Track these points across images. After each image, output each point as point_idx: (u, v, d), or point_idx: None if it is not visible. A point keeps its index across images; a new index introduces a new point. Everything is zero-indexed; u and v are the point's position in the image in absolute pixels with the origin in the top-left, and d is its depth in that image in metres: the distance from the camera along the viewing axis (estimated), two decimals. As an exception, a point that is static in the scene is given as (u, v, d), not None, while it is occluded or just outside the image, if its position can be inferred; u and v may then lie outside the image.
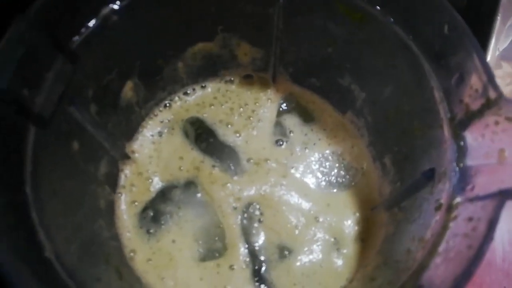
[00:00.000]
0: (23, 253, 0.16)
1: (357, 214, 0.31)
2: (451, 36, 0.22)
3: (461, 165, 0.21)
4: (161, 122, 0.34)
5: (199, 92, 0.35)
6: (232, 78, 0.35)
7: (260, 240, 0.30)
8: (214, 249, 0.29)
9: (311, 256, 0.29)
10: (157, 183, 0.31)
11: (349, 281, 0.28)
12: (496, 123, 0.20)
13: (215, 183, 0.31)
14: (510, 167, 0.19)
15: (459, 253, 0.17)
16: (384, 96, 0.29)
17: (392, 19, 0.24)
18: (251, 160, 0.33)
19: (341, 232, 0.30)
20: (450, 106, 0.22)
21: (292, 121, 0.34)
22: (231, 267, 0.29)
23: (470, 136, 0.22)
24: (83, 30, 0.23)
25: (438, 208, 0.21)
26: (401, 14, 0.24)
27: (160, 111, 0.34)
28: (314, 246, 0.30)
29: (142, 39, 0.28)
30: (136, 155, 0.32)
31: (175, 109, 0.34)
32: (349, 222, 0.31)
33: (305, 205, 0.31)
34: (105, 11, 0.24)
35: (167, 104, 0.34)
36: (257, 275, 0.29)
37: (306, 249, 0.30)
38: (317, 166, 0.33)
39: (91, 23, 0.24)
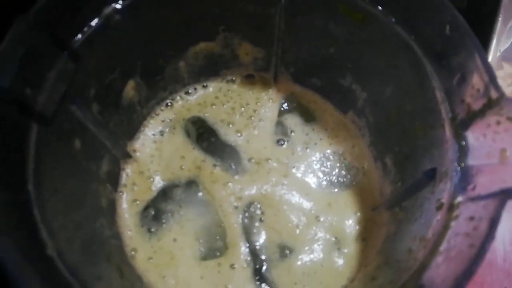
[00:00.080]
0: (25, 251, 0.16)
1: (358, 214, 0.31)
2: (453, 36, 0.22)
3: (463, 164, 0.21)
4: (163, 121, 0.34)
5: (200, 92, 0.35)
6: (234, 78, 0.35)
7: (261, 239, 0.30)
8: (215, 248, 0.29)
9: (312, 256, 0.29)
10: (158, 182, 0.31)
11: (350, 280, 0.28)
12: (498, 123, 0.20)
13: (216, 183, 0.31)
14: (511, 166, 0.19)
15: (461, 252, 0.18)
16: (385, 96, 0.29)
17: (393, 19, 0.24)
18: (252, 160, 0.33)
19: (342, 231, 0.30)
20: (452, 106, 0.23)
21: (293, 121, 0.34)
22: (232, 266, 0.29)
23: (472, 136, 0.22)
24: (85, 29, 0.23)
25: (439, 207, 0.21)
26: (402, 14, 0.24)
27: (162, 110, 0.34)
28: (315, 246, 0.30)
29: (144, 38, 0.28)
30: (138, 154, 0.32)
31: (177, 109, 0.34)
32: (350, 221, 0.31)
33: (306, 204, 0.31)
34: (107, 10, 0.24)
35: (169, 104, 0.34)
36: (258, 274, 0.29)
37: (307, 248, 0.30)
38: (318, 165, 0.33)
39: (93, 22, 0.24)
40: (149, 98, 0.32)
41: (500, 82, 0.22)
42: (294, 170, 0.32)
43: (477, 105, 0.21)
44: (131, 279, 0.26)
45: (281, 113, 0.35)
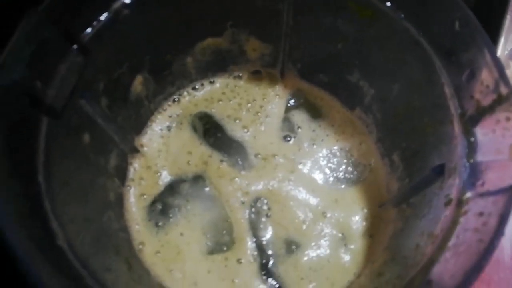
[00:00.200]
0: (37, 241, 0.17)
1: (365, 210, 0.31)
2: (463, 32, 0.22)
3: (472, 160, 0.21)
4: (170, 116, 0.34)
5: (207, 87, 0.35)
6: (241, 74, 0.35)
7: (267, 234, 0.30)
8: (222, 243, 0.29)
9: (318, 251, 0.29)
10: (165, 177, 0.31)
11: (357, 276, 0.28)
12: (507, 119, 0.20)
13: (223, 178, 0.32)
14: (521, 162, 0.19)
15: (470, 248, 0.17)
16: (393, 92, 0.29)
17: (402, 15, 0.24)
18: (259, 155, 0.33)
19: (348, 227, 0.30)
20: (461, 102, 0.22)
21: (300, 117, 0.34)
22: (238, 261, 0.29)
23: (481, 132, 0.21)
24: (94, 23, 0.24)
25: (448, 203, 0.21)
26: (411, 10, 0.24)
27: (169, 105, 0.34)
28: (322, 241, 0.30)
29: (152, 33, 0.28)
30: (145, 149, 0.32)
31: (184, 104, 0.34)
32: (357, 218, 0.31)
33: (313, 200, 0.31)
34: (116, 5, 0.24)
35: (176, 99, 0.34)
36: (265, 269, 0.29)
37: (313, 244, 0.30)
38: (325, 162, 0.33)
39: (103, 17, 0.24)
40: (157, 93, 0.32)
41: (509, 80, 0.21)
42: (300, 166, 0.32)
43: (486, 101, 0.21)
44: (139, 271, 0.26)
45: (287, 109, 0.35)
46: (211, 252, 0.29)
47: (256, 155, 0.33)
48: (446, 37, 0.23)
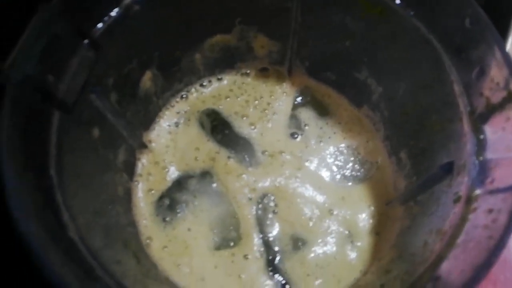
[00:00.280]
0: (50, 233, 0.17)
1: (372, 208, 0.31)
2: (473, 30, 0.22)
3: (481, 158, 0.21)
4: (178, 113, 0.34)
5: (215, 84, 0.35)
6: (248, 71, 0.35)
7: (274, 231, 0.30)
8: (228, 238, 0.30)
9: (325, 248, 0.29)
10: (173, 173, 0.32)
11: (363, 273, 0.28)
12: (517, 116, 0.20)
13: (230, 174, 0.32)
14: (531, 160, 0.19)
15: (479, 244, 0.18)
16: (401, 90, 0.29)
17: (412, 13, 0.24)
18: (266, 152, 0.33)
19: (355, 225, 0.30)
20: (470, 100, 0.22)
21: (307, 115, 0.34)
22: (245, 257, 0.29)
23: (490, 130, 0.21)
24: (105, 19, 0.24)
25: (457, 200, 0.21)
26: (421, 8, 0.24)
27: (177, 102, 0.34)
28: (328, 238, 0.30)
29: (161, 29, 0.28)
30: (153, 144, 0.32)
31: (192, 101, 0.34)
32: (364, 215, 0.31)
33: (320, 197, 0.31)
34: (127, 0, 0.24)
35: (184, 96, 0.34)
36: (271, 265, 0.29)
37: (320, 241, 0.30)
38: (332, 159, 0.33)
39: (114, 12, 0.24)
40: (165, 89, 0.33)
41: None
42: (307, 163, 0.32)
43: (496, 99, 0.21)
44: (147, 266, 0.26)
45: (295, 106, 0.35)
46: (218, 247, 0.29)
47: (263, 152, 0.33)
48: (456, 35, 0.23)
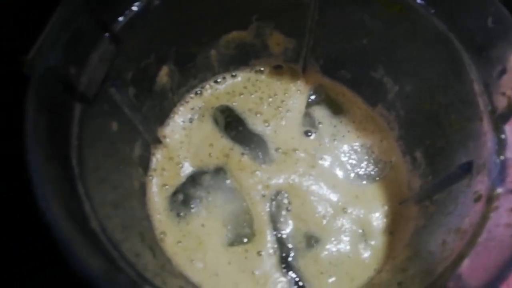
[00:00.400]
0: (74, 223, 0.17)
1: (385, 207, 0.31)
2: (495, 29, 0.22)
3: (502, 157, 0.21)
4: (192, 109, 0.34)
5: (229, 81, 0.35)
6: (262, 68, 0.35)
7: (287, 228, 0.30)
8: (242, 235, 0.30)
9: (338, 246, 0.29)
10: (187, 168, 0.32)
11: (377, 272, 0.28)
12: (540, 116, 0.20)
13: (244, 171, 0.32)
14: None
15: (502, 242, 0.17)
16: (419, 89, 0.29)
17: (433, 11, 0.24)
18: (280, 150, 0.33)
19: (369, 224, 0.30)
20: (491, 99, 0.22)
21: (321, 113, 0.34)
22: (259, 253, 0.29)
23: (511, 129, 0.21)
24: (127, 12, 0.24)
25: (477, 199, 0.21)
26: (443, 6, 0.24)
27: (192, 98, 0.34)
28: (342, 237, 0.30)
29: (179, 24, 0.28)
30: (168, 140, 0.32)
31: (206, 97, 0.35)
32: (377, 214, 0.31)
33: (333, 196, 0.31)
34: (147, -5, 0.25)
35: (198, 92, 0.34)
36: (285, 262, 0.29)
37: (333, 239, 0.30)
38: (345, 158, 0.33)
39: (135, 6, 0.24)
40: (180, 85, 0.33)
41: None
42: (321, 161, 0.32)
43: (518, 98, 0.21)
44: (162, 260, 0.26)
45: (309, 104, 0.35)
46: (232, 243, 0.29)
47: (276, 149, 0.33)
48: (477, 33, 0.23)
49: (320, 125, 0.34)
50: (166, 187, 0.31)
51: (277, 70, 0.36)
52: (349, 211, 0.31)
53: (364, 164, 0.32)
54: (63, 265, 0.15)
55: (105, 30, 0.23)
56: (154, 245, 0.26)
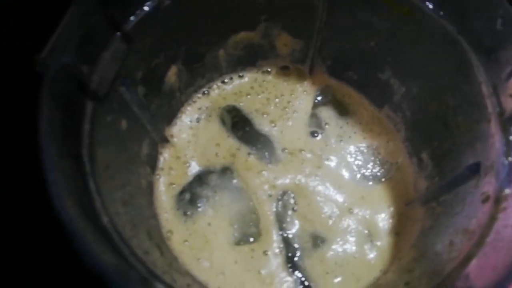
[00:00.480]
0: (88, 220, 0.17)
1: (391, 208, 0.31)
2: (504, 31, 0.22)
3: (510, 159, 0.21)
4: (199, 108, 0.34)
5: (236, 81, 0.35)
6: (269, 69, 0.36)
7: (294, 228, 0.30)
8: (248, 234, 0.30)
9: (344, 247, 0.30)
10: (194, 168, 0.32)
11: (383, 272, 0.28)
12: (548, 118, 0.20)
13: (250, 170, 0.32)
14: None
15: (510, 243, 0.18)
16: (426, 91, 0.29)
17: (442, 13, 0.24)
18: (286, 150, 0.33)
19: (374, 225, 0.30)
20: (499, 101, 0.22)
21: (327, 114, 0.35)
22: (265, 252, 0.29)
23: (519, 131, 0.21)
24: (138, 12, 0.24)
25: (485, 200, 0.21)
26: (451, 8, 0.24)
27: (199, 98, 0.34)
28: (348, 237, 0.30)
29: (189, 24, 0.28)
30: (175, 139, 0.33)
31: (213, 97, 0.35)
32: (383, 215, 0.31)
33: (339, 196, 0.31)
34: (159, -6, 0.25)
35: (206, 92, 0.35)
36: (291, 262, 0.29)
37: (339, 239, 0.30)
38: (352, 158, 0.33)
39: (146, 6, 0.24)
40: (188, 85, 0.33)
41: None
42: (327, 162, 0.33)
43: (526, 100, 0.21)
44: (169, 258, 0.27)
45: (315, 105, 0.35)
46: (238, 242, 0.29)
47: (283, 150, 0.33)
48: (486, 35, 0.23)
49: (327, 126, 0.34)
50: (173, 186, 0.31)
51: (284, 71, 0.36)
52: (355, 211, 0.31)
53: (370, 165, 0.33)
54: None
55: (116, 29, 0.23)
56: (161, 243, 0.27)
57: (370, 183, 0.32)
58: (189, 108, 0.34)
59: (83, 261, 0.15)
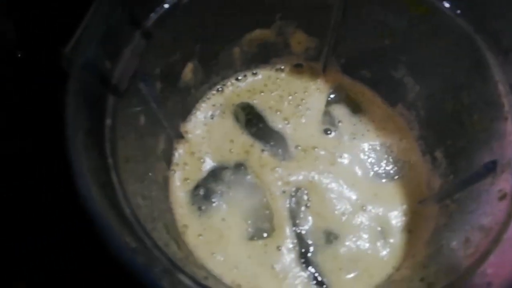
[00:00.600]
0: (113, 212, 0.17)
1: (404, 206, 0.31)
2: (522, 30, 0.22)
3: (527, 157, 0.21)
4: (213, 105, 0.35)
5: (250, 79, 0.36)
6: (283, 67, 0.36)
7: (307, 224, 0.30)
8: (262, 229, 0.30)
9: (357, 243, 0.30)
10: (208, 164, 0.32)
11: (396, 269, 0.28)
12: None
13: (264, 167, 0.32)
14: None
15: (529, 240, 0.18)
16: (441, 89, 0.29)
17: (459, 11, 0.25)
18: (299, 147, 0.33)
19: (387, 222, 0.31)
20: (516, 100, 0.23)
21: (340, 111, 0.35)
22: (278, 248, 0.29)
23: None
24: (158, 9, 0.25)
25: (502, 197, 0.21)
26: (468, 7, 0.24)
27: (213, 94, 0.35)
28: (361, 234, 0.30)
29: (206, 22, 0.29)
30: (190, 135, 0.33)
31: (227, 94, 0.35)
32: (396, 213, 0.31)
33: (352, 193, 0.31)
34: (178, -8, 0.25)
35: (220, 89, 0.35)
36: (304, 258, 0.29)
37: (352, 236, 0.30)
38: (365, 156, 0.33)
39: (166, 3, 0.25)
40: (203, 81, 0.33)
41: None
42: (340, 159, 0.33)
43: (544, 99, 0.21)
44: (185, 251, 0.27)
45: (328, 103, 0.35)
46: (252, 237, 0.30)
47: (296, 147, 0.33)
48: (504, 35, 0.23)
49: (340, 124, 0.34)
50: (188, 181, 0.31)
51: (297, 69, 0.36)
52: (368, 209, 0.31)
53: (383, 163, 0.33)
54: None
55: (137, 25, 0.24)
56: (177, 237, 0.27)
57: (383, 180, 0.32)
58: (203, 104, 0.34)
59: (109, 252, 0.15)
